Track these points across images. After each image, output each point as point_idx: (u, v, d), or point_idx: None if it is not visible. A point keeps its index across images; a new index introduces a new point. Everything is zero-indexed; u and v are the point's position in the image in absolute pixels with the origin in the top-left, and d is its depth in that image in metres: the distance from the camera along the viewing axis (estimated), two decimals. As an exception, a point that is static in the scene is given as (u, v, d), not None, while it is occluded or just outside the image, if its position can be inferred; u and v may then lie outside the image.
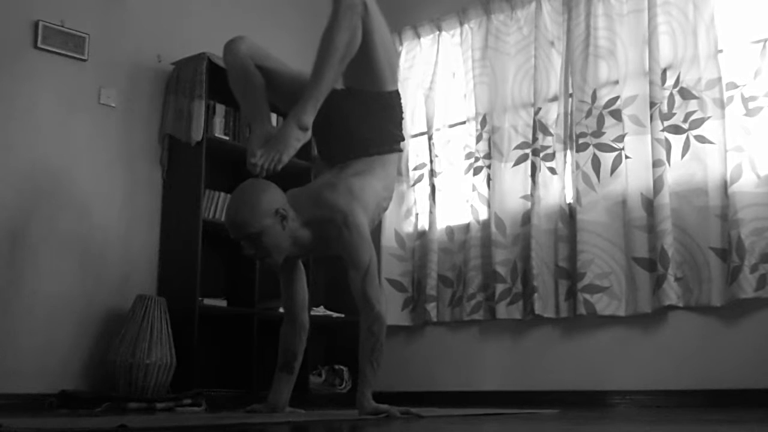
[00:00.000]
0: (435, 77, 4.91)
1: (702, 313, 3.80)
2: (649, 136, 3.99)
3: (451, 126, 4.86)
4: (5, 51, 3.86)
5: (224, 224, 2.76)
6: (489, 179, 4.54)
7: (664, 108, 3.98)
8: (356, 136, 2.95)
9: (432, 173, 4.79)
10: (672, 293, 3.79)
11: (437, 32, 4.96)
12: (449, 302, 4.63)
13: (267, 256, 2.75)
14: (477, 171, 4.62)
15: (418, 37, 5.04)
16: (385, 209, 3.02)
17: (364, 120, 2.95)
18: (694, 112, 3.90)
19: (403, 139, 3.09)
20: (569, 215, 4.22)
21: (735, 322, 3.71)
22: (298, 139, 2.78)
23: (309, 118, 2.77)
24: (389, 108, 3.01)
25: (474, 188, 4.60)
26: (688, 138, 3.91)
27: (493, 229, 4.43)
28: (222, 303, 4.27)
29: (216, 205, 4.31)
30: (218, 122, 4.39)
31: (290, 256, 2.90)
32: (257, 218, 2.67)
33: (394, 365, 4.63)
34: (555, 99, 4.40)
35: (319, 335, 4.78)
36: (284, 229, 2.72)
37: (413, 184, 4.91)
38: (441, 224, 4.73)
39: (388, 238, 4.82)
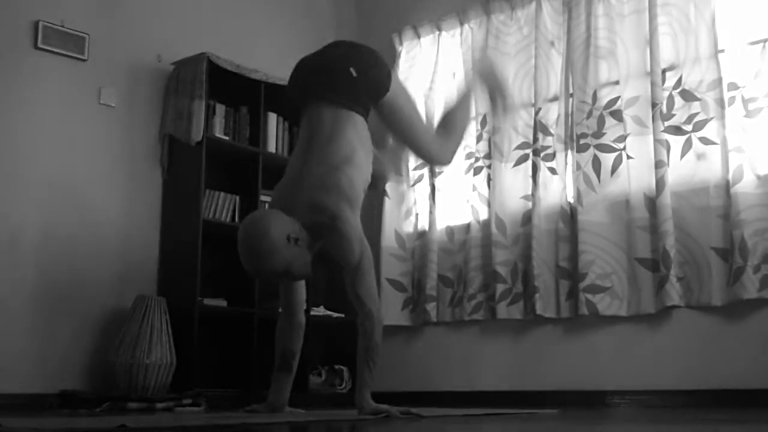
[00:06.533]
0: (435, 77, 4.91)
1: (703, 313, 3.80)
2: (651, 137, 3.99)
3: (451, 126, 4.84)
4: (5, 51, 3.86)
5: (241, 261, 2.72)
6: (489, 179, 4.54)
7: (665, 108, 3.98)
8: (340, 77, 2.96)
9: (432, 173, 4.78)
10: (674, 294, 3.79)
11: (437, 32, 4.95)
12: (449, 302, 4.62)
13: (299, 277, 2.83)
14: (477, 171, 4.61)
15: (418, 37, 5.04)
16: (371, 173, 3.00)
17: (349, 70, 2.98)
18: (696, 113, 3.89)
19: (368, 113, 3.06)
20: (570, 215, 4.21)
21: (737, 322, 3.71)
22: None
23: None
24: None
25: (474, 188, 4.60)
26: (689, 139, 3.91)
27: (494, 229, 4.43)
28: (222, 303, 4.27)
29: (216, 205, 4.31)
30: (218, 122, 4.39)
31: None
32: (277, 260, 2.66)
33: (394, 365, 4.63)
34: (555, 99, 4.39)
35: (319, 335, 4.78)
36: (300, 247, 2.72)
37: (413, 184, 4.90)
38: (441, 224, 4.72)
39: (388, 238, 4.82)
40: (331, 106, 2.94)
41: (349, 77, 2.96)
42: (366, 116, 3.00)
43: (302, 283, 3.04)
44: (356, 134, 2.93)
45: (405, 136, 3.14)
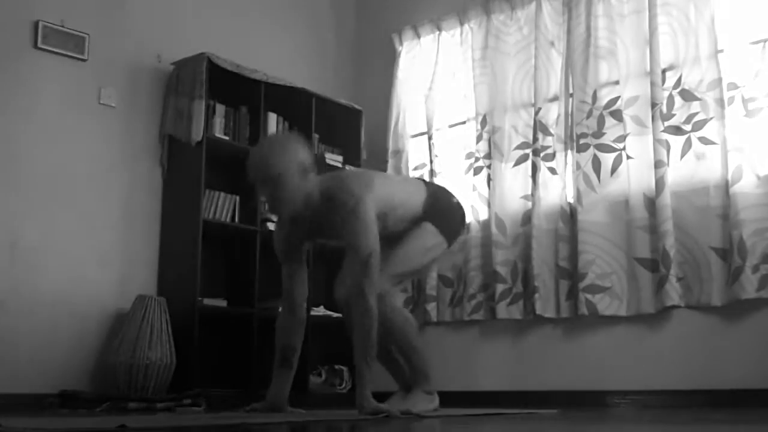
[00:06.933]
0: (435, 77, 4.91)
1: (703, 313, 3.80)
2: (651, 137, 3.99)
3: (451, 126, 4.85)
4: (5, 51, 3.86)
5: (250, 169, 2.77)
6: (489, 179, 4.54)
7: (664, 108, 3.98)
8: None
9: (432, 173, 4.78)
10: (674, 294, 3.79)
11: (437, 32, 4.95)
12: (449, 302, 4.62)
13: (279, 205, 2.77)
14: (477, 171, 4.61)
15: (418, 37, 5.04)
16: (397, 222, 3.08)
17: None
18: (696, 113, 3.89)
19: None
20: (570, 215, 4.21)
21: (736, 322, 3.71)
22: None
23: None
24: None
25: (474, 188, 4.60)
26: (689, 138, 3.91)
27: (494, 229, 4.43)
28: (222, 303, 4.27)
29: (216, 205, 4.31)
30: (218, 122, 4.39)
31: (295, 236, 2.95)
32: (282, 161, 2.71)
33: (394, 365, 4.62)
34: (555, 99, 4.39)
35: (319, 335, 4.78)
36: (302, 181, 2.76)
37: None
38: (441, 224, 4.72)
39: (388, 238, 4.81)
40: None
41: (452, 205, 3.25)
42: (431, 221, 3.13)
43: (305, 279, 3.04)
44: (412, 189, 3.14)
45: (396, 250, 3.10)
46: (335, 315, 4.76)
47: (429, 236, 3.11)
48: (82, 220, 4.02)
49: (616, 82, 4.18)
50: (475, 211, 4.56)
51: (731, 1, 3.90)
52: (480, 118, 4.66)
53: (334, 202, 2.81)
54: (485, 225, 4.51)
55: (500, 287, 4.35)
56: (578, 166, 4.20)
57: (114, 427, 1.98)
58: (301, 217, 2.89)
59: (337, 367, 4.72)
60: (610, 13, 4.25)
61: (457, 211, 3.25)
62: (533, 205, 4.31)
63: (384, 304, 2.94)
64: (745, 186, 3.68)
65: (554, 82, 4.41)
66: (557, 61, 4.42)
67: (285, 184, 2.72)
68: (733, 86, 3.82)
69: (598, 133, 4.18)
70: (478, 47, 4.75)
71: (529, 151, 4.43)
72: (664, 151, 3.93)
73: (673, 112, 3.97)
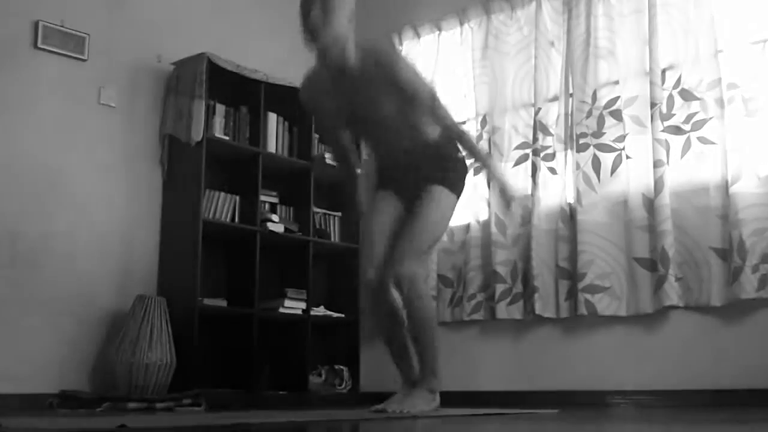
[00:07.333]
0: (435, 77, 4.91)
1: (702, 313, 3.80)
2: (650, 137, 3.99)
3: (451, 126, 4.84)
4: (5, 51, 3.86)
5: None
6: (489, 179, 4.54)
7: (664, 108, 3.98)
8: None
9: (432, 173, 4.77)
10: (673, 293, 3.79)
11: (437, 32, 4.96)
12: (449, 302, 4.62)
13: (321, 27, 2.81)
14: (477, 171, 4.61)
15: (418, 37, 5.04)
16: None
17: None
18: (696, 113, 3.90)
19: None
20: (570, 215, 4.21)
21: (735, 322, 3.71)
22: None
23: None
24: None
25: (474, 188, 4.60)
26: (689, 138, 3.91)
27: (494, 229, 4.43)
28: (222, 303, 4.27)
29: (216, 205, 4.31)
30: (218, 122, 4.40)
31: (326, 97, 3.04)
32: (334, 10, 2.81)
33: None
34: (555, 99, 4.39)
35: (319, 335, 4.79)
36: (346, 24, 2.87)
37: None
38: (441, 224, 4.71)
39: (388, 238, 4.81)
40: None
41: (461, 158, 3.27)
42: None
43: (347, 136, 3.19)
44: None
45: (416, 224, 3.12)
46: (335, 315, 4.76)
47: (444, 200, 3.11)
48: (82, 219, 4.02)
49: (616, 82, 4.18)
50: (475, 211, 4.56)
51: (731, 1, 3.91)
52: (480, 118, 4.66)
53: (375, 55, 2.90)
54: (485, 225, 4.51)
55: (500, 287, 4.35)
56: (578, 166, 4.20)
57: (114, 427, 1.98)
58: (333, 67, 2.92)
59: (337, 367, 4.72)
60: (610, 13, 4.25)
61: (464, 162, 3.25)
62: (533, 205, 4.31)
63: (412, 290, 2.96)
64: (745, 186, 3.68)
65: (554, 82, 4.41)
66: (557, 61, 4.42)
67: (333, 12, 2.80)
68: (733, 86, 3.82)
69: (598, 133, 4.18)
70: (478, 47, 4.75)
71: (529, 151, 4.43)
72: (664, 151, 3.93)
73: (673, 112, 3.97)
